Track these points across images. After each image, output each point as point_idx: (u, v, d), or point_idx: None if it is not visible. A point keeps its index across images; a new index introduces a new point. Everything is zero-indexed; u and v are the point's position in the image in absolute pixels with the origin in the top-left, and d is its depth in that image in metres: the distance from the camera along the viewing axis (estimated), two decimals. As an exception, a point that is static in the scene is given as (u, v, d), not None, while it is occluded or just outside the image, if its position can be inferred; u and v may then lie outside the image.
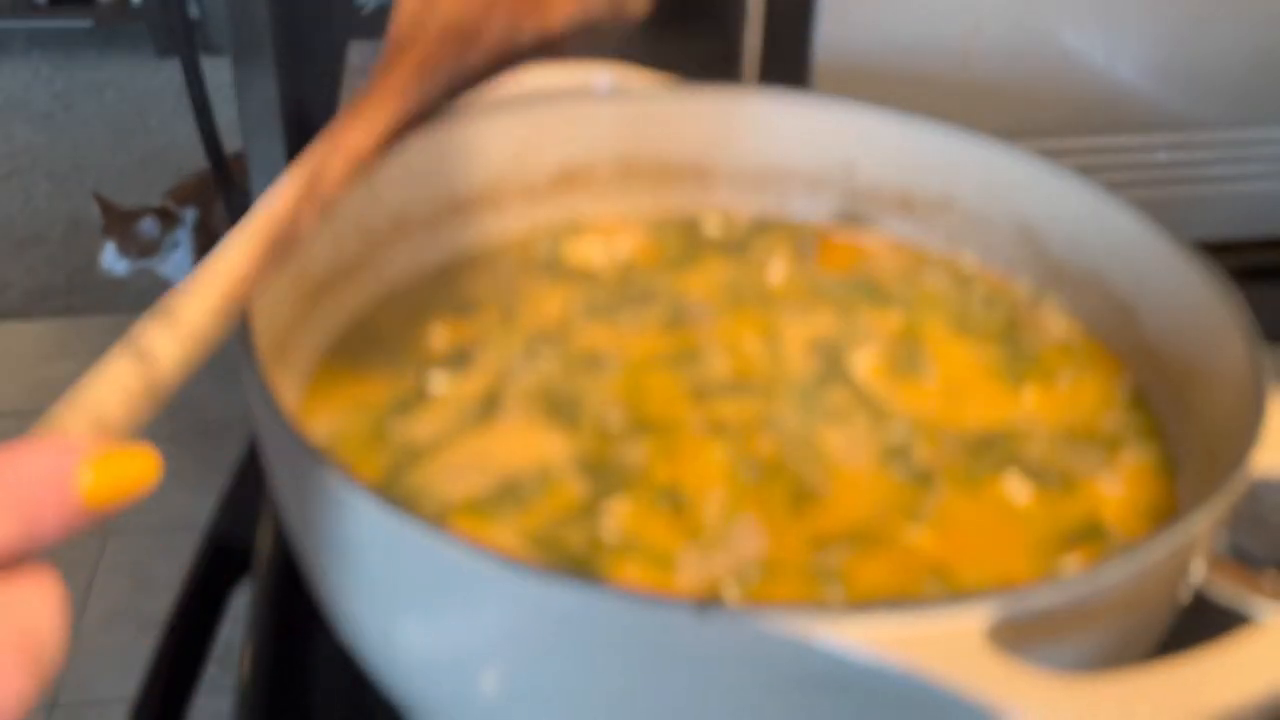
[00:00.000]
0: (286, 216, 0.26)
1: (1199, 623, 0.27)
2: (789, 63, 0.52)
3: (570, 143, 0.43)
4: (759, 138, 0.44)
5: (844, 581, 0.29)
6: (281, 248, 0.26)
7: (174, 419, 1.49)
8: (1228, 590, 0.38)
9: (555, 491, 0.31)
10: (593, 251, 0.42)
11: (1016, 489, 0.33)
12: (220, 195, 1.27)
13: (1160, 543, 0.24)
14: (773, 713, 0.24)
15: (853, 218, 0.44)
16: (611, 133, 0.43)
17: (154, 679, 0.45)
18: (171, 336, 0.23)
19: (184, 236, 1.72)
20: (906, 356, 0.38)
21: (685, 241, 0.43)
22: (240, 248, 0.25)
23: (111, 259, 1.70)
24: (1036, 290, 0.41)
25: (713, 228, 0.44)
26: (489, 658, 0.25)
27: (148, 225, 1.70)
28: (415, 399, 0.35)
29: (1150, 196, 0.60)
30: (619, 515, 0.30)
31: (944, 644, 0.21)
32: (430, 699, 0.28)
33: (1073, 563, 0.30)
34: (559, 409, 0.34)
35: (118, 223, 1.69)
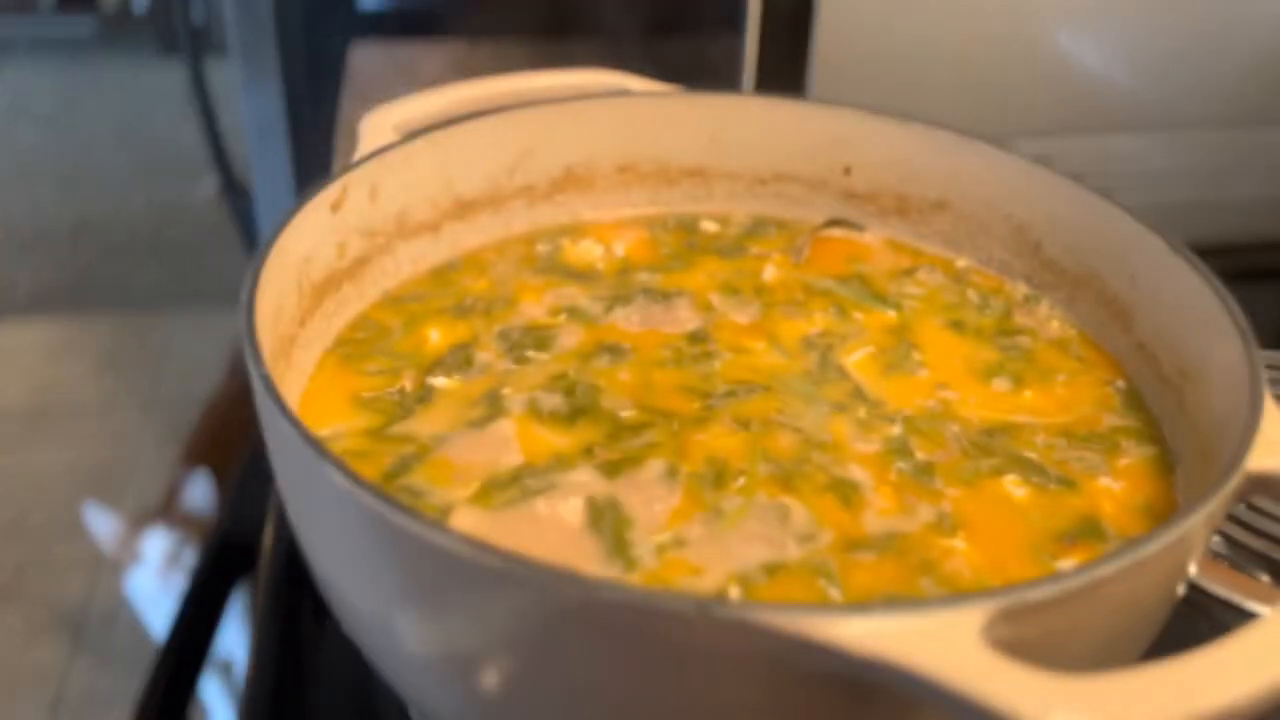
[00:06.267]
0: None
1: (1194, 622, 0.27)
2: (787, 67, 0.52)
3: (571, 145, 0.43)
4: (757, 141, 0.44)
5: (841, 581, 0.29)
6: None
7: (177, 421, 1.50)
8: (1223, 589, 0.38)
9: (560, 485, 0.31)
10: (592, 252, 0.42)
11: (1013, 488, 0.33)
12: (224, 201, 1.27)
13: (1154, 543, 0.24)
14: (773, 710, 0.24)
15: (849, 219, 0.44)
16: (611, 135, 0.43)
17: (159, 673, 0.45)
18: None
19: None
20: (902, 356, 0.38)
21: (684, 242, 0.44)
22: None
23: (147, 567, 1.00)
24: (1032, 291, 0.41)
25: (711, 228, 0.45)
26: (491, 654, 0.26)
27: (199, 490, 0.98)
28: (417, 398, 0.35)
29: (1145, 199, 0.60)
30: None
31: (941, 642, 0.21)
32: (433, 694, 0.29)
33: (1070, 562, 0.30)
34: (559, 407, 0.34)
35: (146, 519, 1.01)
